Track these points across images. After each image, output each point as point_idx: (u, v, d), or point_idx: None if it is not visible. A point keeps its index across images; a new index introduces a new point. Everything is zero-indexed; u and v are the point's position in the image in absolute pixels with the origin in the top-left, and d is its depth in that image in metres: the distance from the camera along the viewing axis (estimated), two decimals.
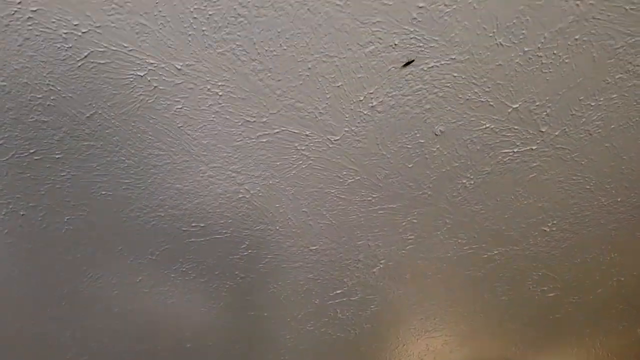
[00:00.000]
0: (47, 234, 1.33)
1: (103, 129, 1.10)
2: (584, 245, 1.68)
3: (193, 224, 1.38)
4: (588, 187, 1.45)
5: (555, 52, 1.09)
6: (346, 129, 1.20)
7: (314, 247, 1.53)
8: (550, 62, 1.11)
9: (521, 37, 1.06)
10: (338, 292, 1.72)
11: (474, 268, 1.72)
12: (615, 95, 1.20)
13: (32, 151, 1.12)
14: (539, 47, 1.08)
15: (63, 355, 1.83)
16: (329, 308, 1.79)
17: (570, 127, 1.27)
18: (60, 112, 1.06)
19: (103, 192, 1.25)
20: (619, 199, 1.51)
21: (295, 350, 1.99)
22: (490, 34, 1.04)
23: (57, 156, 1.15)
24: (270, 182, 1.30)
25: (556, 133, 1.28)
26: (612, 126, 1.28)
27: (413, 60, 1.08)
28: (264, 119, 1.14)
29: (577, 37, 1.07)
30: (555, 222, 1.57)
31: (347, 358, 2.08)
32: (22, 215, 1.27)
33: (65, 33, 0.92)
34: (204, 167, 1.23)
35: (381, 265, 1.63)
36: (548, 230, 1.59)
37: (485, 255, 1.66)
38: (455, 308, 1.92)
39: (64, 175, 1.19)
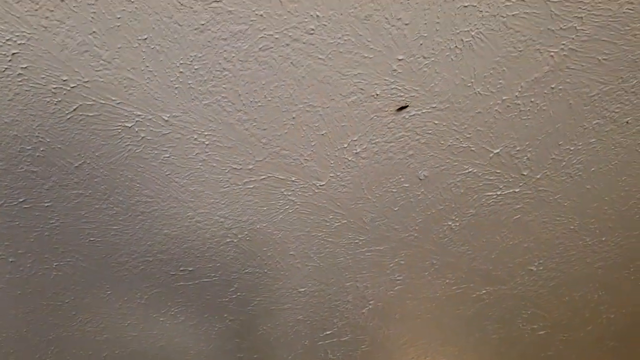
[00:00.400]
0: (36, 280, 1.34)
1: (91, 177, 1.12)
2: (572, 284, 1.70)
3: (181, 268, 1.39)
4: (572, 227, 1.47)
5: (532, 100, 1.13)
6: (331, 175, 1.22)
7: (303, 289, 1.53)
8: (529, 110, 1.15)
9: (499, 86, 1.09)
10: (328, 332, 1.72)
11: (464, 307, 1.73)
12: (593, 140, 1.24)
13: (21, 200, 1.14)
14: (516, 96, 1.11)
15: None
16: (319, 349, 1.78)
17: (551, 171, 1.30)
18: (50, 162, 1.08)
19: (92, 239, 1.26)
20: (603, 239, 1.53)
21: None
22: (469, 84, 1.08)
23: (46, 204, 1.16)
24: (258, 227, 1.31)
25: (538, 176, 1.30)
26: (593, 169, 1.31)
27: (407, 106, 1.11)
28: (250, 166, 1.17)
29: (552, 85, 1.10)
30: (541, 261, 1.58)
31: None
32: (11, 262, 1.27)
33: (54, 88, 0.95)
34: (192, 212, 1.25)
35: (370, 306, 1.64)
36: (535, 269, 1.61)
37: (474, 295, 1.67)
38: (446, 347, 1.92)
39: (52, 223, 1.20)
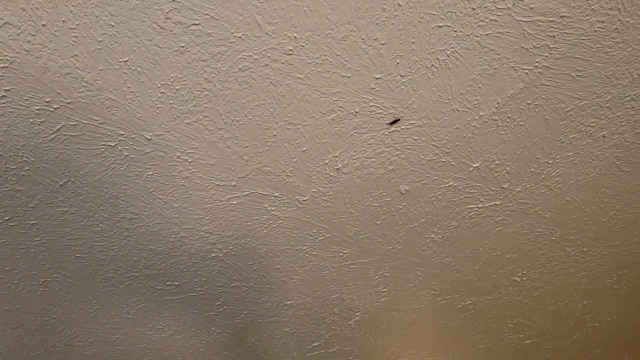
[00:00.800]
0: (23, 296, 1.35)
1: (76, 195, 1.14)
2: (556, 294, 1.72)
3: (168, 283, 1.40)
4: (554, 238, 1.50)
5: (509, 115, 1.15)
6: (314, 190, 1.24)
7: (289, 302, 1.55)
8: (506, 125, 1.17)
9: (475, 102, 1.11)
10: (315, 344, 1.74)
11: (449, 318, 1.74)
12: (571, 153, 1.26)
13: (7, 218, 1.15)
14: (493, 112, 1.14)
15: None
16: (307, 359, 1.80)
17: (530, 183, 1.32)
18: (34, 181, 1.09)
19: (78, 255, 1.27)
20: (585, 249, 1.56)
21: None
22: (446, 101, 1.10)
23: (31, 222, 1.18)
24: (243, 242, 1.33)
25: (518, 189, 1.33)
26: (572, 181, 1.33)
27: (399, 119, 1.13)
28: (233, 183, 1.18)
29: (528, 101, 1.13)
30: (525, 272, 1.60)
31: None
32: None
33: (37, 109, 0.97)
34: (177, 228, 1.26)
35: (357, 318, 1.66)
36: (519, 279, 1.63)
37: (459, 305, 1.69)
38: (434, 357, 1.94)
39: (38, 240, 1.22)
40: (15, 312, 1.39)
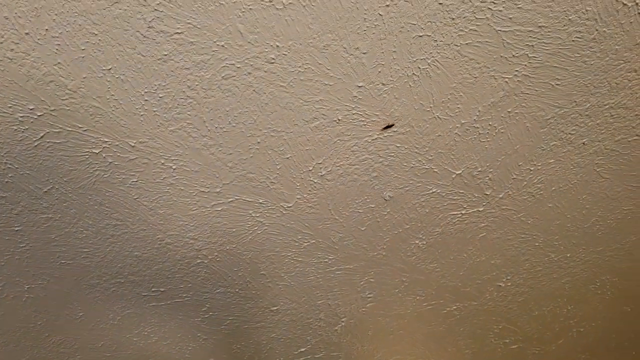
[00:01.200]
0: (8, 303, 1.35)
1: (60, 202, 1.14)
2: (540, 299, 1.73)
3: (153, 289, 1.41)
4: (537, 244, 1.51)
5: (490, 123, 1.17)
6: (298, 197, 1.25)
7: (275, 308, 1.55)
8: (487, 132, 1.18)
9: (457, 110, 1.13)
10: (302, 350, 1.74)
11: (435, 323, 1.76)
12: (552, 161, 1.28)
13: None
14: (474, 120, 1.15)
15: None
16: None
17: (513, 190, 1.33)
18: (18, 188, 1.09)
19: (62, 261, 1.28)
20: (568, 255, 1.57)
21: None
22: (428, 109, 1.12)
23: (16, 229, 1.18)
24: (228, 248, 1.33)
25: (500, 195, 1.34)
26: (553, 188, 1.35)
27: (393, 124, 1.14)
28: (218, 189, 1.19)
29: (509, 109, 1.14)
30: (509, 277, 1.62)
31: None
32: None
33: (21, 116, 0.97)
34: (162, 235, 1.27)
35: (343, 323, 1.66)
36: (503, 285, 1.64)
37: (445, 311, 1.70)
38: None
39: (23, 247, 1.22)
40: (0, 318, 1.39)
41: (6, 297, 1.33)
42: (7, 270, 1.26)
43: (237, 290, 1.47)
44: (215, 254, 1.34)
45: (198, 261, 1.35)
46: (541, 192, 1.36)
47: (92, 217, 1.19)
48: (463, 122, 1.15)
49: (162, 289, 1.41)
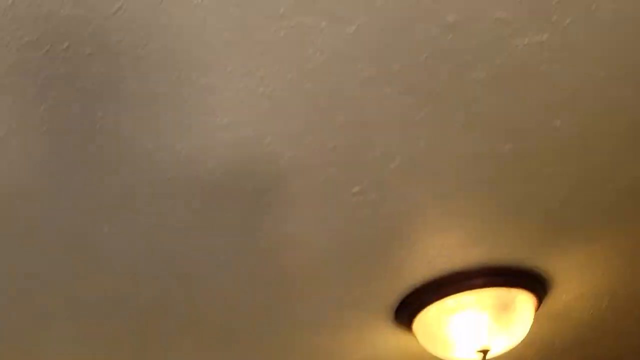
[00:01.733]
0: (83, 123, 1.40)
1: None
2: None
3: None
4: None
5: None
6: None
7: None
8: None
9: None
10: (355, 190, 1.80)
11: (488, 166, 1.78)
12: None
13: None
14: None
15: None
16: (346, 206, 1.87)
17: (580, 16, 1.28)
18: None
19: None
20: None
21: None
22: None
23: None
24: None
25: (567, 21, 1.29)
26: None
27: None
28: (281, 10, 1.18)
29: None
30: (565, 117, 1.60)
31: (364, 260, 2.16)
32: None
33: None
34: None
35: (397, 162, 1.70)
36: (559, 125, 1.63)
37: (500, 151, 1.71)
38: (469, 208, 1.99)
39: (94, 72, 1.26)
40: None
41: (79, 115, 1.39)
42: (81, 95, 1.31)
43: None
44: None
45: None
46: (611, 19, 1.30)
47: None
48: None
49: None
